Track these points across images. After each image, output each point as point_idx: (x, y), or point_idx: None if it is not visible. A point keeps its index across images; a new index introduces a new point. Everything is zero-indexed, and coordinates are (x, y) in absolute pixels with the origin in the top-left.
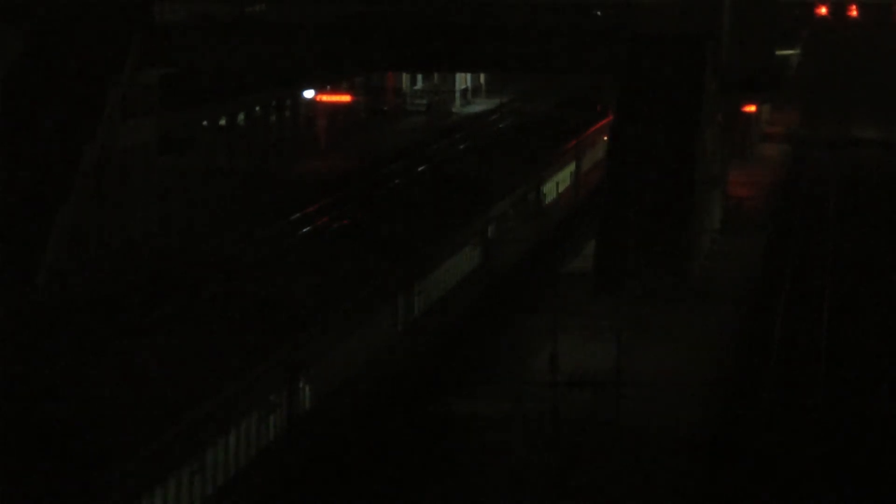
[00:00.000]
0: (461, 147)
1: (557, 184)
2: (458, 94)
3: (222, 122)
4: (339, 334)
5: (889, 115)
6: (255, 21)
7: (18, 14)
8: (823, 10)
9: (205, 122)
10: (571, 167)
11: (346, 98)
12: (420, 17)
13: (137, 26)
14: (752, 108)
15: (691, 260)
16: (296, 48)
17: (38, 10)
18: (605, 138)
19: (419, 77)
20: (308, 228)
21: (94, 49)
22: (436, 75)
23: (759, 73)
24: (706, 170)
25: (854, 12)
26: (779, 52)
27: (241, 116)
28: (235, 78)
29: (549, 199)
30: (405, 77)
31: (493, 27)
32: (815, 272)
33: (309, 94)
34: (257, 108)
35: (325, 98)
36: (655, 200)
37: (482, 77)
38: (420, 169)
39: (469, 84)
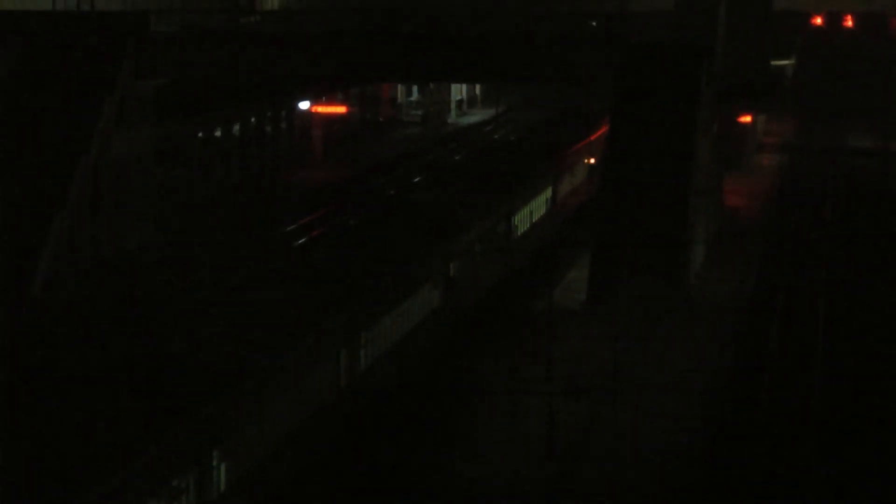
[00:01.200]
0: (437, 168)
1: (531, 212)
2: (453, 105)
3: (217, 132)
4: (266, 400)
5: (885, 124)
6: (249, 32)
7: (15, 25)
8: (819, 20)
9: (200, 133)
10: (547, 193)
11: (341, 109)
12: (415, 27)
13: (132, 37)
14: (747, 118)
15: (686, 270)
16: (290, 59)
17: (34, 22)
18: (587, 160)
19: (414, 88)
20: (264, 261)
21: (90, 60)
22: (431, 86)
23: (753, 82)
24: (702, 180)
25: (849, 22)
26: (774, 62)
27: (236, 127)
28: (230, 89)
29: (521, 230)
30: (400, 88)
31: (489, 37)
32: (809, 281)
33: (304, 104)
34: (252, 119)
35: (321, 109)
36: (651, 210)
37: (478, 87)
38: (390, 192)
39: (465, 94)
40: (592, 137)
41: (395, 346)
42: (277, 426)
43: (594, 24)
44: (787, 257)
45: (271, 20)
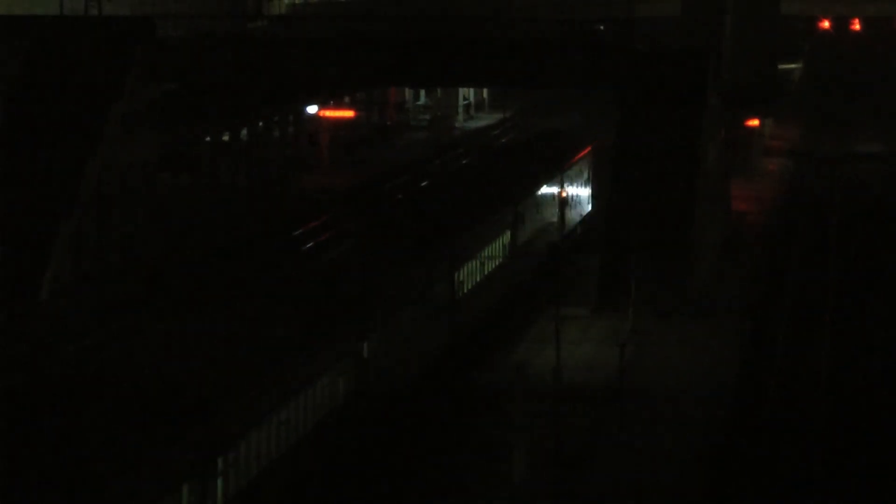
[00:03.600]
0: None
1: (482, 264)
2: (461, 109)
3: (225, 137)
4: None
5: (891, 129)
6: (256, 37)
7: (22, 29)
8: (826, 24)
9: (207, 138)
10: (505, 238)
11: (349, 113)
12: (422, 31)
13: (139, 42)
14: (755, 122)
15: (694, 275)
16: (297, 64)
17: (42, 26)
18: (560, 194)
19: (422, 92)
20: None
21: (97, 64)
22: (439, 90)
23: (756, 86)
24: (709, 185)
25: (856, 26)
26: (781, 67)
27: (243, 132)
28: (238, 94)
29: (467, 287)
30: (408, 92)
31: (497, 42)
32: (814, 286)
33: (312, 109)
34: (260, 124)
35: (329, 113)
36: (658, 215)
37: (485, 92)
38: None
39: (472, 99)
40: (568, 165)
41: (273, 465)
42: None
43: (601, 28)
44: (793, 262)
45: (278, 25)
